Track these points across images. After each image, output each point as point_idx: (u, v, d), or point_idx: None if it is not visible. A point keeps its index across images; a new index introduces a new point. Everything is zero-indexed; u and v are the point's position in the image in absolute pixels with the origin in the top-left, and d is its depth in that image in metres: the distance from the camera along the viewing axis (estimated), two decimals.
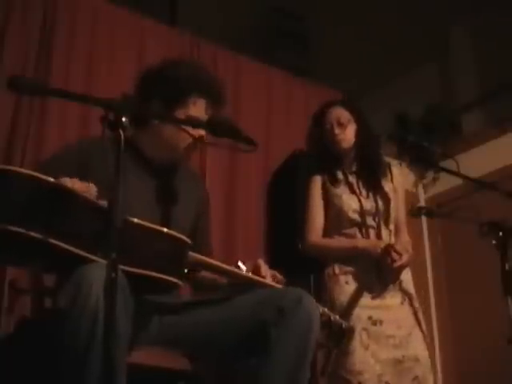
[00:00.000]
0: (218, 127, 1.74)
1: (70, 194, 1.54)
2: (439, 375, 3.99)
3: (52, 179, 1.54)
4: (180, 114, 1.91)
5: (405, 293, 2.51)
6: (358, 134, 2.61)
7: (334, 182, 2.60)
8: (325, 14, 4.68)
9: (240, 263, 1.84)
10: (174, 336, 1.81)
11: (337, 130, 2.58)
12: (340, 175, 2.62)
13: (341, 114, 2.61)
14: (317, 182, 2.63)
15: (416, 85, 5.02)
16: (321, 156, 2.66)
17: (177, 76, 1.94)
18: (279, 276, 1.87)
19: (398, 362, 2.38)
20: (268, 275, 1.84)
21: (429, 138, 4.20)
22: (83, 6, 3.58)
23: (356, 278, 2.48)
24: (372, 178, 2.62)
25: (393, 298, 2.48)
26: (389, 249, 2.42)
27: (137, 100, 1.95)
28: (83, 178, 1.64)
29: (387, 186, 2.63)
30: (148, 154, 1.96)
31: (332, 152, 2.62)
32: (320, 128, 2.64)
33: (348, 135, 2.60)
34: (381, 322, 2.41)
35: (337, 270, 2.52)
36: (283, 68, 4.45)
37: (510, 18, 4.30)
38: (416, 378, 2.38)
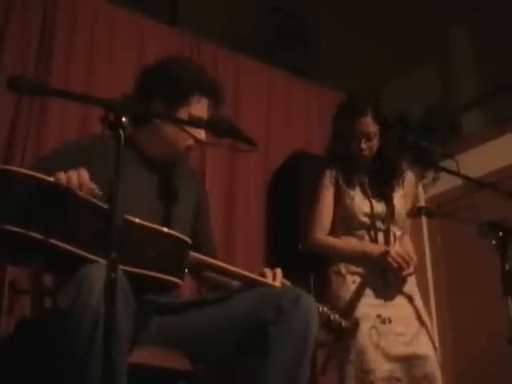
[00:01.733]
0: (218, 127, 1.74)
1: (69, 193, 1.54)
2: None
3: (52, 178, 1.54)
4: (182, 112, 1.90)
5: (407, 294, 2.51)
6: (380, 148, 2.59)
7: (348, 181, 2.58)
8: (325, 15, 4.68)
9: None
10: (173, 336, 1.80)
11: (363, 145, 2.55)
12: (354, 175, 2.60)
13: (370, 128, 2.55)
14: (330, 179, 2.60)
15: (416, 85, 5.02)
16: (340, 154, 2.61)
17: (180, 74, 1.93)
18: (287, 282, 1.88)
19: (408, 358, 2.37)
20: (279, 277, 1.85)
21: (429, 138, 4.19)
22: (83, 6, 3.59)
23: (363, 278, 2.47)
24: (385, 181, 2.61)
25: (399, 299, 2.48)
26: (397, 257, 2.42)
27: (137, 99, 1.95)
28: None
29: (399, 192, 2.63)
30: (147, 151, 1.96)
31: (351, 154, 2.59)
32: (353, 123, 2.56)
33: (373, 148, 2.57)
34: (389, 320, 2.41)
35: (343, 270, 2.51)
36: (283, 68, 4.46)
37: (510, 17, 4.29)
38: (426, 375, 2.37)
